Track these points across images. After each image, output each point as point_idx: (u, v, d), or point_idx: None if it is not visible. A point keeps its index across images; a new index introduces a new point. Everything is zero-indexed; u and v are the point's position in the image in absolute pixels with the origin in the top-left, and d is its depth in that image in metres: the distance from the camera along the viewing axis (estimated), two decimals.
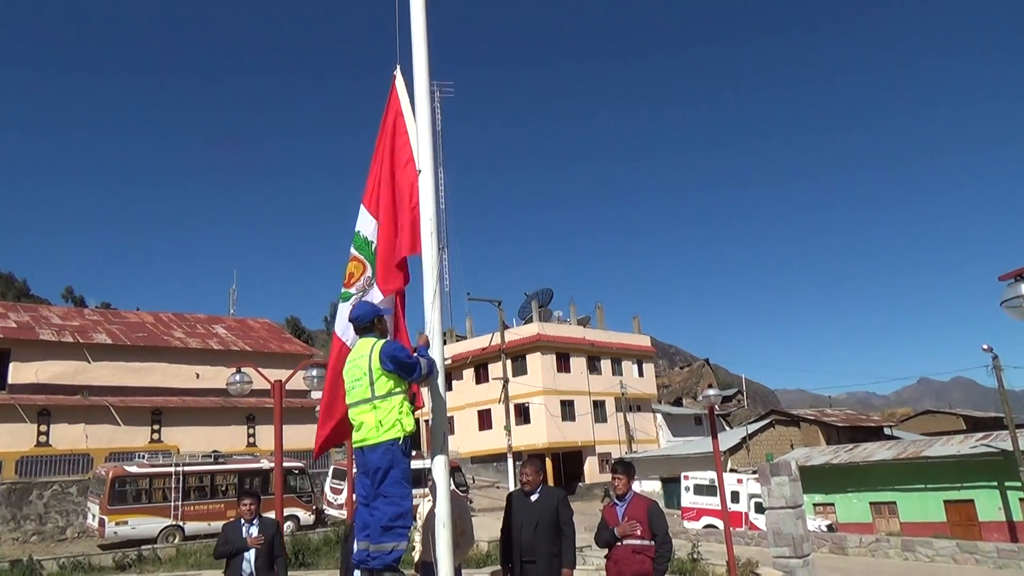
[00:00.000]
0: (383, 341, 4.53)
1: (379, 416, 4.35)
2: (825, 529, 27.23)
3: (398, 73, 5.21)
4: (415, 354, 4.48)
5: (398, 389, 4.42)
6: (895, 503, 29.66)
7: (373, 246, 5.01)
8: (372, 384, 4.41)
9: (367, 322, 4.69)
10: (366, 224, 5.12)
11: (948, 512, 28.24)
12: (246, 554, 6.59)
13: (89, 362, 32.30)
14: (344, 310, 5.01)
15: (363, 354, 4.52)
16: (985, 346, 29.15)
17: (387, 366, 4.37)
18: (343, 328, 5.02)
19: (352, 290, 5.07)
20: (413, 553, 7.75)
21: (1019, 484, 25.62)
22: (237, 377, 11.95)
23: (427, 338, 4.61)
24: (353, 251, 5.15)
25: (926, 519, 28.29)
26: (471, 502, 31.07)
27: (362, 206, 5.19)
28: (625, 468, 6.12)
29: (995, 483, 27.28)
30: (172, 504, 24.19)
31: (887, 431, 49.15)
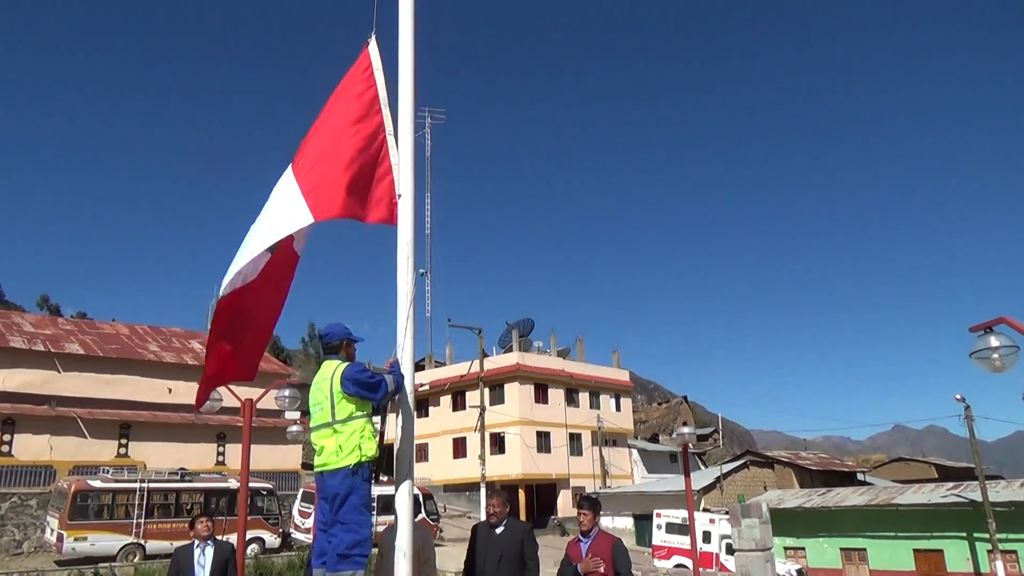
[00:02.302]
0: (345, 364, 4.46)
1: (339, 440, 4.28)
2: (795, 573, 27.17)
3: (372, 41, 5.05)
4: (383, 373, 4.41)
5: (359, 413, 4.35)
6: (865, 550, 29.65)
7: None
8: (333, 408, 4.34)
9: (336, 341, 4.64)
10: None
11: (917, 561, 28.26)
12: (199, 574, 6.42)
13: (59, 372, 31.75)
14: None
15: (325, 377, 4.46)
16: (958, 396, 29.43)
17: (348, 389, 4.31)
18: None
19: None
20: None
21: (987, 536, 25.69)
22: None
23: (395, 358, 4.52)
24: None
25: (895, 567, 28.30)
26: (441, 531, 30.68)
27: (291, 173, 4.78)
28: (591, 504, 6.07)
29: (964, 534, 27.37)
30: (134, 521, 23.65)
31: (860, 476, 49.30)
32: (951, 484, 32.10)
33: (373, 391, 4.31)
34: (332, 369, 4.45)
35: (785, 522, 29.64)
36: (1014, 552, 25.61)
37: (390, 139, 4.83)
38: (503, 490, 7.03)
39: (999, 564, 25.15)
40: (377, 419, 4.60)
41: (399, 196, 4.87)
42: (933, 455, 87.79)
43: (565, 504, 43.52)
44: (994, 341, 7.24)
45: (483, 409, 36.41)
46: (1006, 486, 29.67)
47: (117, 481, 24.32)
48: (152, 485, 24.55)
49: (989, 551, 26.09)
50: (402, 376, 4.41)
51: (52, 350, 31.92)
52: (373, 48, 5.03)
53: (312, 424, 4.48)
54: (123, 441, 32.10)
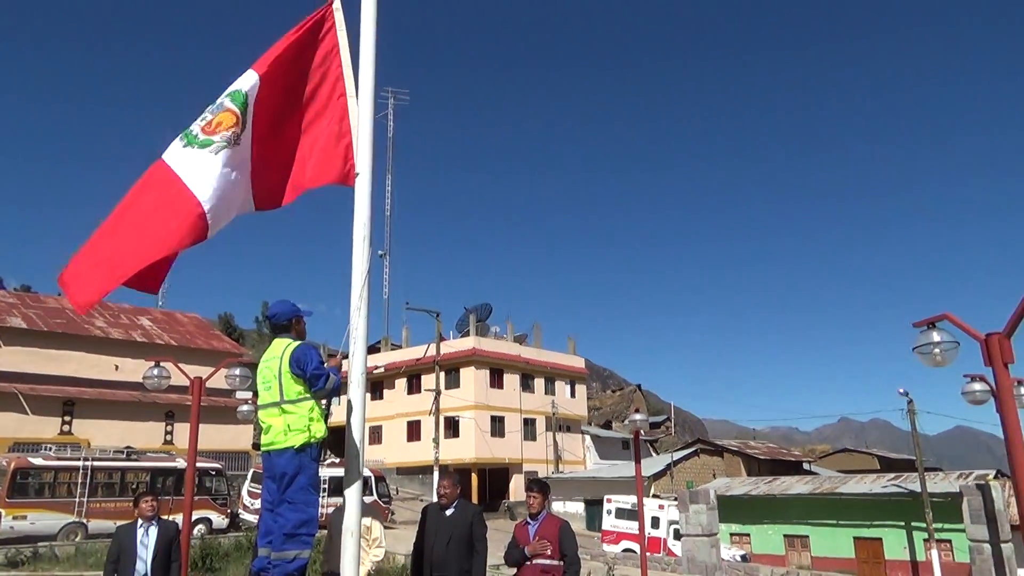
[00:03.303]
0: (296, 344, 4.40)
1: (288, 420, 4.22)
2: (739, 559, 27.75)
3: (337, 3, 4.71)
4: (332, 366, 4.35)
5: (309, 394, 4.29)
6: (808, 537, 30.44)
7: (248, 111, 4.22)
8: (281, 387, 4.27)
9: (284, 320, 4.56)
10: (248, 87, 4.24)
11: (857, 549, 29.12)
12: (141, 555, 6.28)
13: (0, 346, 30.76)
14: (198, 155, 3.99)
15: (275, 355, 4.39)
16: (901, 390, 30.28)
17: (295, 370, 4.25)
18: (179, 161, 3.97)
19: (215, 137, 4.04)
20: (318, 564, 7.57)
21: (924, 525, 26.59)
22: (155, 371, 11.49)
23: (339, 360, 4.46)
24: (230, 104, 4.20)
25: (836, 554, 29.12)
26: (392, 513, 30.63)
27: (254, 72, 4.28)
28: (540, 487, 6.10)
29: (902, 523, 28.27)
30: (77, 500, 23.11)
31: (806, 466, 50.59)
32: (892, 475, 33.10)
33: (312, 381, 4.24)
34: (282, 348, 4.38)
35: (732, 509, 30.29)
36: (949, 541, 26.55)
37: (351, 101, 4.62)
38: (455, 473, 7.04)
39: (935, 553, 26.05)
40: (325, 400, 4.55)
41: (357, 174, 4.77)
42: (877, 447, 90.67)
43: (517, 488, 43.82)
44: (936, 336, 7.47)
45: (438, 393, 36.36)
46: (944, 478, 30.69)
47: (60, 459, 23.70)
48: (96, 463, 23.99)
49: (925, 540, 27.00)
50: (339, 381, 4.32)
51: None
52: (337, 7, 4.74)
53: (260, 402, 4.41)
54: (67, 418, 31.31)
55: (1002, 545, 10.30)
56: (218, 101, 4.22)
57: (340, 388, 4.35)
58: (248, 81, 4.27)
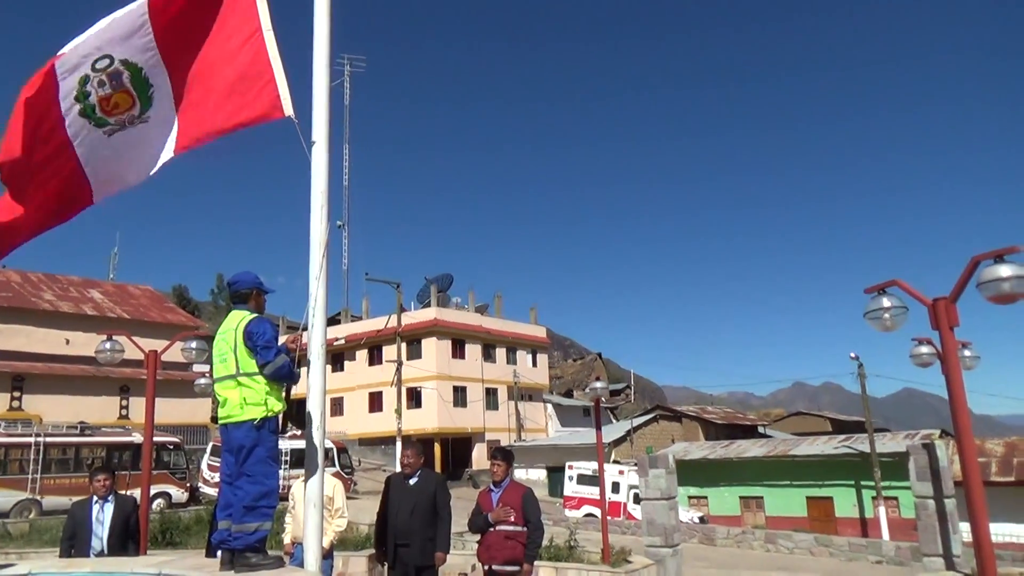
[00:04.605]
0: (252, 316, 4.32)
1: (244, 393, 4.15)
2: (697, 521, 28.46)
3: None
4: (286, 347, 4.24)
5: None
6: (762, 498, 31.30)
7: (151, 90, 4.31)
8: (237, 360, 4.20)
9: (244, 289, 4.47)
10: (144, 59, 4.25)
11: (809, 508, 30.05)
12: (97, 531, 6.19)
13: None
14: (93, 135, 4.22)
15: (231, 328, 4.31)
16: (852, 354, 31.11)
17: (248, 343, 4.19)
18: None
19: (111, 120, 4.24)
20: (283, 535, 7.56)
21: (873, 484, 27.56)
22: (107, 345, 11.19)
23: (298, 336, 4.31)
24: (128, 83, 4.24)
25: (789, 514, 30.02)
26: (355, 484, 30.68)
27: (151, 29, 4.21)
28: (504, 455, 6.17)
29: (852, 482, 29.23)
30: (30, 476, 22.66)
31: (761, 430, 51.90)
32: (843, 436, 34.09)
33: (262, 353, 4.12)
34: (238, 320, 4.30)
35: (690, 472, 30.93)
36: (895, 498, 27.55)
37: (267, 34, 4.33)
38: (418, 443, 7.08)
39: (882, 510, 27.07)
40: None
41: (313, 142, 4.66)
42: (828, 410, 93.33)
43: (480, 457, 44.16)
44: (886, 302, 7.67)
45: (400, 363, 36.27)
46: (891, 438, 31.71)
47: (10, 435, 23.19)
48: (49, 439, 23.53)
49: (874, 498, 27.98)
50: (289, 366, 4.19)
51: None
52: None
53: (215, 375, 4.33)
54: (16, 394, 30.55)
55: (945, 501, 10.73)
56: (114, 66, 4.19)
57: (291, 373, 4.21)
58: (136, 51, 4.22)
